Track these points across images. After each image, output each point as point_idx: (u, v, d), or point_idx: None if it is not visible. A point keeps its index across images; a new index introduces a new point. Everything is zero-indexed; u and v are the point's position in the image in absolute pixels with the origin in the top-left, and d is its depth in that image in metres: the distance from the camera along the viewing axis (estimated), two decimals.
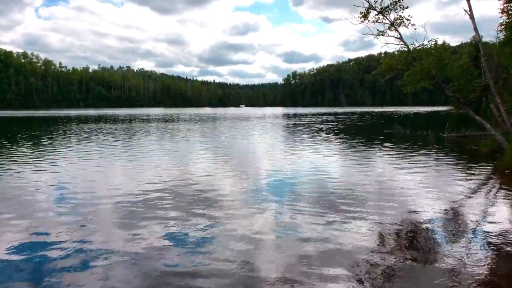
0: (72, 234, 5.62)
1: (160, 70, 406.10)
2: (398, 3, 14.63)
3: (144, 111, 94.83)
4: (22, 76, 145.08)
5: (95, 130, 28.17)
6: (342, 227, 5.87)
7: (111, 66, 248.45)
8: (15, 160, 13.05)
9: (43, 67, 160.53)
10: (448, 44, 17.98)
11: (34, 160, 12.99)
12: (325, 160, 13.37)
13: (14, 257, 4.85)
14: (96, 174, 10.65)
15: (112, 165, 12.38)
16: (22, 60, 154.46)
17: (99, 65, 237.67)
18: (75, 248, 5.08)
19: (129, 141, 20.52)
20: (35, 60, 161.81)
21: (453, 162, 12.69)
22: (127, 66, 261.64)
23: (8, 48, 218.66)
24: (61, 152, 15.30)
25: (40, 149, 16.15)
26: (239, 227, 5.87)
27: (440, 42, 14.99)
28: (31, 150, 16.06)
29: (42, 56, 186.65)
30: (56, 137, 22.29)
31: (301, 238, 5.39)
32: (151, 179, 9.77)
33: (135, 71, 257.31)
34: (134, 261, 4.65)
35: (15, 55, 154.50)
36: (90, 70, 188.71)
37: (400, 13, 14.80)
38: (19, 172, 10.90)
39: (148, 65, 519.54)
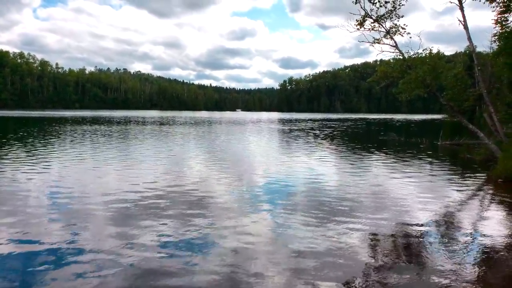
0: (63, 240, 5.53)
1: (157, 73, 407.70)
2: (394, 12, 14.80)
3: (140, 114, 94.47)
4: (18, 76, 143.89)
5: (90, 131, 27.99)
6: (336, 237, 5.84)
7: (108, 68, 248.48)
8: (6, 162, 12.91)
9: (39, 68, 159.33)
10: (443, 53, 18.18)
11: (26, 162, 12.87)
12: (319, 166, 13.39)
13: (1, 263, 4.78)
14: (89, 177, 10.56)
15: (105, 168, 12.28)
16: (19, 60, 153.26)
17: (96, 66, 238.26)
18: (66, 255, 5.00)
19: (124, 143, 20.41)
20: (31, 60, 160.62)
21: (447, 170, 12.77)
22: (124, 68, 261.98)
23: (5, 48, 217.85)
24: (54, 154, 15.17)
25: (33, 151, 16.00)
26: (232, 237, 5.80)
27: (434, 51, 15.18)
28: (24, 151, 15.91)
29: (39, 56, 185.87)
30: (50, 138, 22.11)
31: (294, 249, 5.32)
32: (145, 183, 9.71)
33: (132, 73, 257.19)
34: (126, 271, 4.58)
35: (11, 55, 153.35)
36: (87, 72, 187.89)
37: (395, 22, 14.99)
38: (10, 174, 10.78)
39: (145, 68, 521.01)
